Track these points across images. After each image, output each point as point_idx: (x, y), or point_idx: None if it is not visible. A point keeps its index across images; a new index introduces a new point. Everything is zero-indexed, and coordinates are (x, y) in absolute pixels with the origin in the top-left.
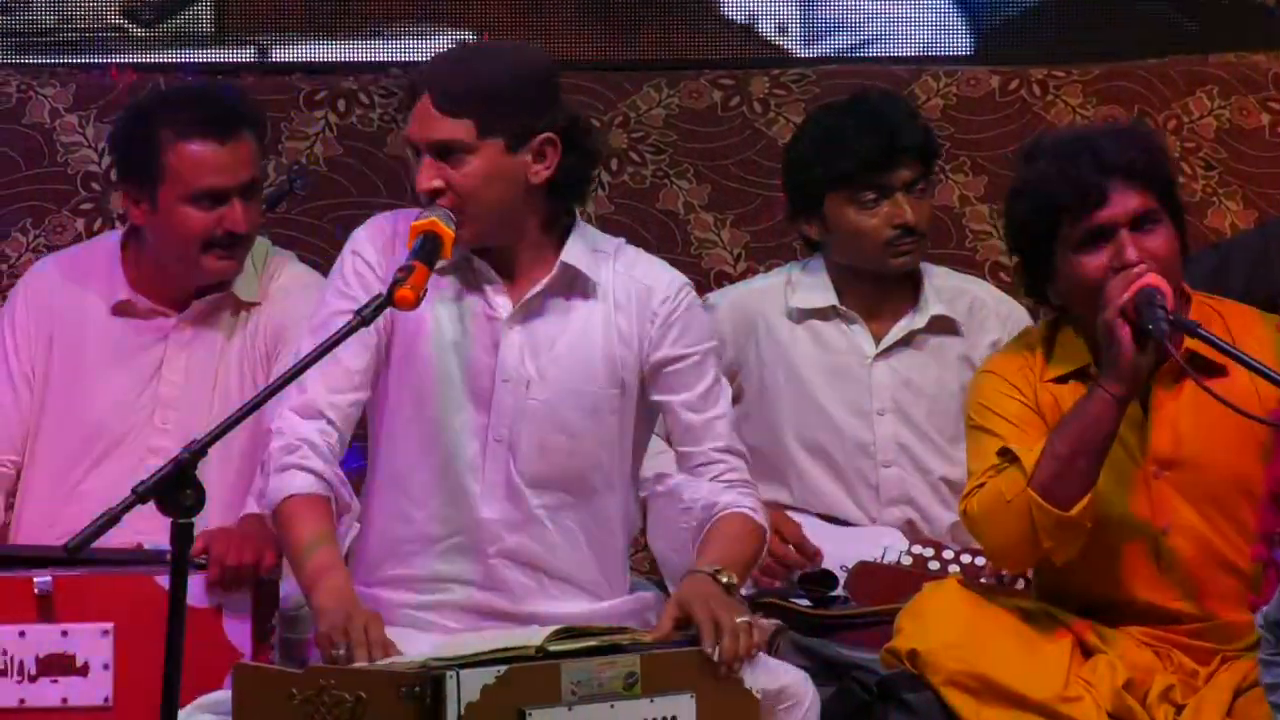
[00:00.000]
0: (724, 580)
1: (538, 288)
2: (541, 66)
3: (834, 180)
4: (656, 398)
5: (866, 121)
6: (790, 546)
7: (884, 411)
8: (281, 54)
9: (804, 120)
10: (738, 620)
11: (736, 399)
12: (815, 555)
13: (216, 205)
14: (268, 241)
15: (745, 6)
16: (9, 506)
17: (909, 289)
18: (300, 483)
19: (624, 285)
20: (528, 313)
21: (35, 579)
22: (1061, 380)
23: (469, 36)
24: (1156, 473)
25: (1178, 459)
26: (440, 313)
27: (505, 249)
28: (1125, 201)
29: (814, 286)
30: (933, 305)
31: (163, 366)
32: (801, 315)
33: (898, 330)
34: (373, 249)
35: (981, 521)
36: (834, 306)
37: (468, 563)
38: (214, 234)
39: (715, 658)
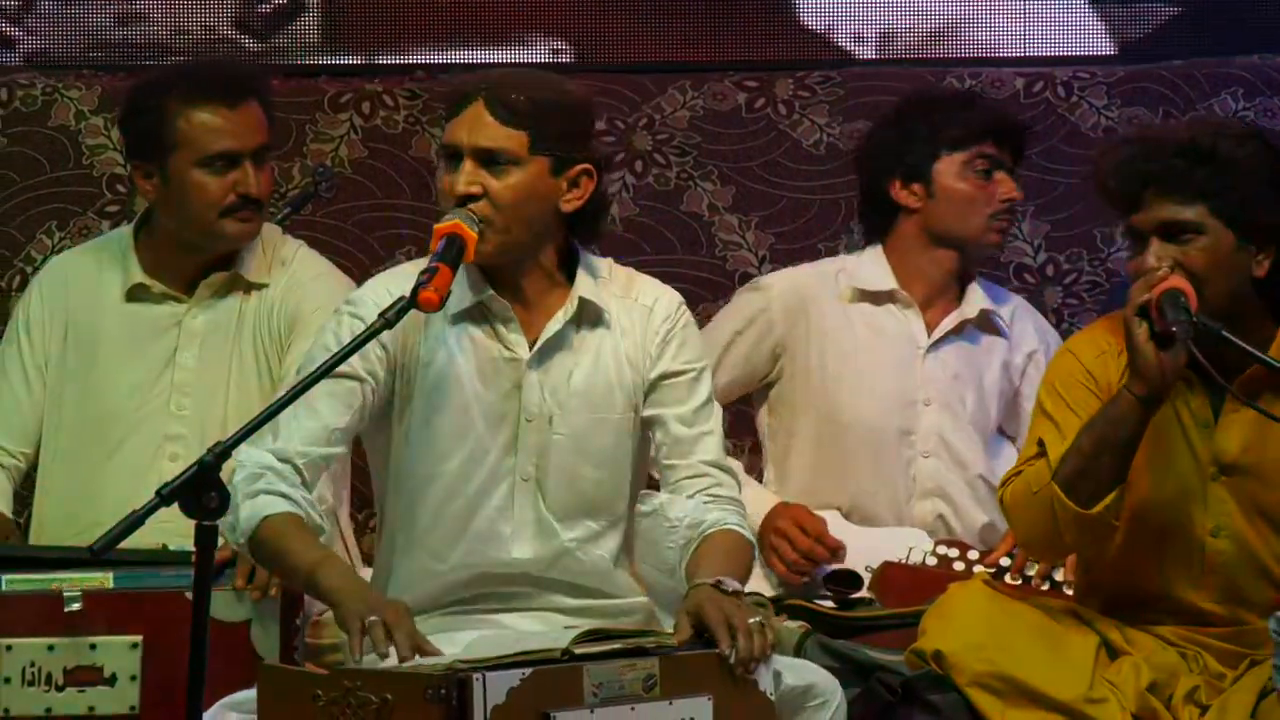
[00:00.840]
0: (727, 589)
1: (557, 325)
2: (589, 99)
3: (960, 139)
4: (649, 411)
5: (992, 100)
6: (813, 540)
7: (930, 402)
8: (389, 63)
9: (913, 93)
10: (750, 620)
11: (776, 380)
12: (838, 549)
13: (229, 170)
14: (277, 229)
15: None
16: (18, 498)
17: (958, 286)
18: (272, 504)
19: (625, 309)
20: (545, 350)
21: (65, 593)
22: None
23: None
24: (1215, 475)
25: (1238, 465)
26: (458, 360)
27: (516, 283)
28: (1155, 211)
29: (873, 270)
30: (981, 300)
31: (177, 353)
32: (859, 296)
33: (950, 320)
34: (374, 306)
35: (1012, 510)
36: (893, 291)
37: (498, 595)
38: (229, 198)
39: (732, 659)
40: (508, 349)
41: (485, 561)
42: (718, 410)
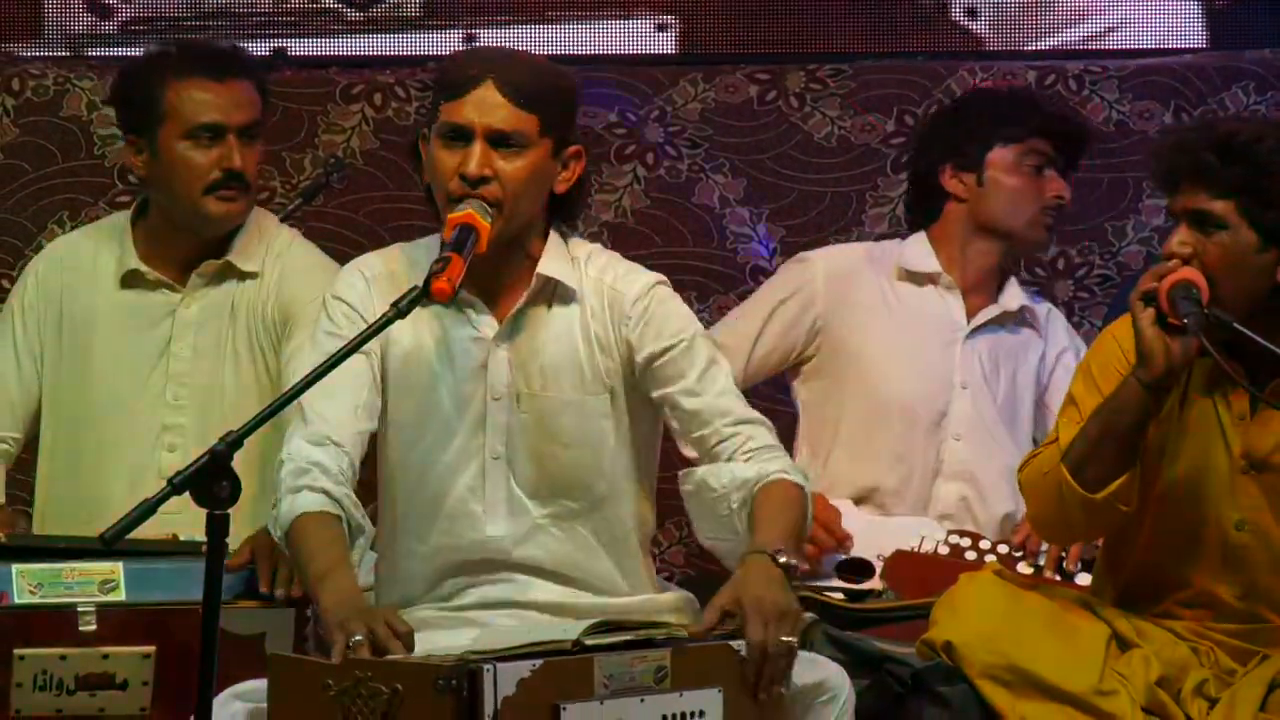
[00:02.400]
0: (783, 561)
1: (520, 303)
2: (577, 81)
3: (1014, 134)
4: (657, 393)
5: (1058, 103)
6: (821, 529)
7: (965, 386)
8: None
9: (976, 88)
10: (784, 639)
11: (813, 357)
12: (844, 540)
13: (214, 143)
14: (273, 217)
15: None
16: (20, 485)
17: (998, 280)
18: (310, 501)
19: (596, 291)
20: (512, 328)
21: (79, 609)
22: None
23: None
24: (1245, 469)
25: (1270, 462)
26: (426, 345)
27: (490, 265)
28: (1186, 199)
29: (918, 252)
30: (1020, 296)
31: (171, 343)
32: (903, 275)
33: (991, 310)
34: (354, 292)
35: (1026, 491)
36: (936, 273)
37: (481, 577)
38: (213, 174)
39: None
40: (474, 329)
41: (461, 541)
42: (725, 369)
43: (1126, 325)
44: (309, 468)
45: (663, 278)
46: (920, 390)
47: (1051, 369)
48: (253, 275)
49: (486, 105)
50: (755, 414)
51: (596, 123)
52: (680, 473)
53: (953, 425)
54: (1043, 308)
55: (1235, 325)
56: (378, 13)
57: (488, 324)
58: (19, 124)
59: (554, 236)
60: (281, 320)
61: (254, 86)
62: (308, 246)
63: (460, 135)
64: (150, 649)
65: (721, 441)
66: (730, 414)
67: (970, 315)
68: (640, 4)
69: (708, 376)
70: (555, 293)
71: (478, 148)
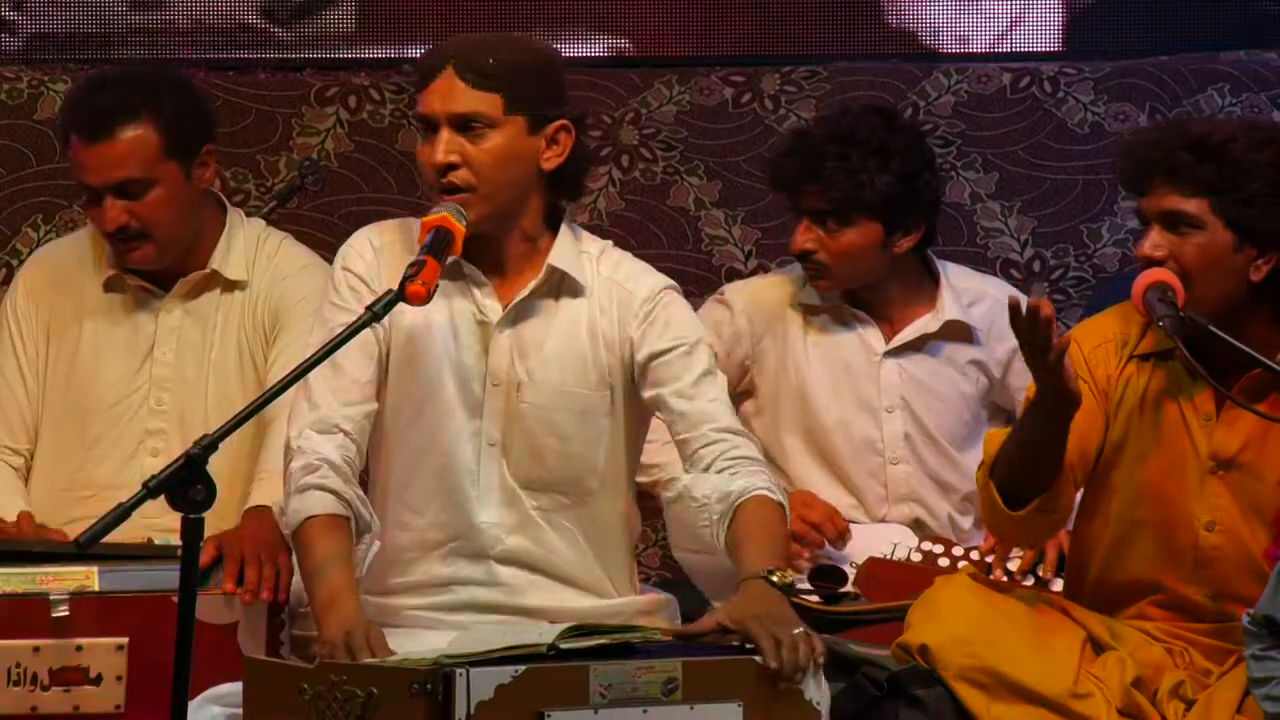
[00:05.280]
0: (777, 581)
1: (525, 291)
2: (557, 55)
3: (792, 204)
4: (649, 394)
5: (801, 142)
6: (826, 520)
7: (892, 409)
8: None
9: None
10: (795, 632)
11: (750, 394)
12: (845, 532)
13: (99, 201)
14: (260, 222)
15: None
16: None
17: (927, 287)
18: (320, 503)
19: (607, 289)
20: (517, 315)
21: (51, 598)
22: (1144, 358)
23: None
24: (1213, 469)
25: (1236, 462)
26: (433, 319)
27: (496, 248)
28: (1159, 199)
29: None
30: (949, 309)
31: (154, 348)
32: (813, 312)
33: (910, 332)
34: (361, 262)
35: (979, 492)
36: (839, 305)
37: (470, 565)
38: (106, 229)
39: (778, 670)
40: (480, 311)
41: (456, 522)
42: (721, 380)
43: (1088, 328)
44: (318, 464)
45: (674, 283)
46: (850, 418)
47: (1007, 362)
48: (241, 285)
49: (447, 92)
50: (742, 428)
51: None
52: (664, 479)
53: (888, 450)
54: (982, 307)
55: (1211, 328)
56: (307, 30)
57: (493, 308)
58: None
59: (566, 230)
60: (271, 322)
61: (141, 136)
62: (299, 248)
63: (430, 125)
64: (124, 640)
65: (706, 445)
66: (718, 421)
67: (889, 337)
68: (590, 24)
69: (703, 383)
70: (563, 285)
71: (443, 135)
